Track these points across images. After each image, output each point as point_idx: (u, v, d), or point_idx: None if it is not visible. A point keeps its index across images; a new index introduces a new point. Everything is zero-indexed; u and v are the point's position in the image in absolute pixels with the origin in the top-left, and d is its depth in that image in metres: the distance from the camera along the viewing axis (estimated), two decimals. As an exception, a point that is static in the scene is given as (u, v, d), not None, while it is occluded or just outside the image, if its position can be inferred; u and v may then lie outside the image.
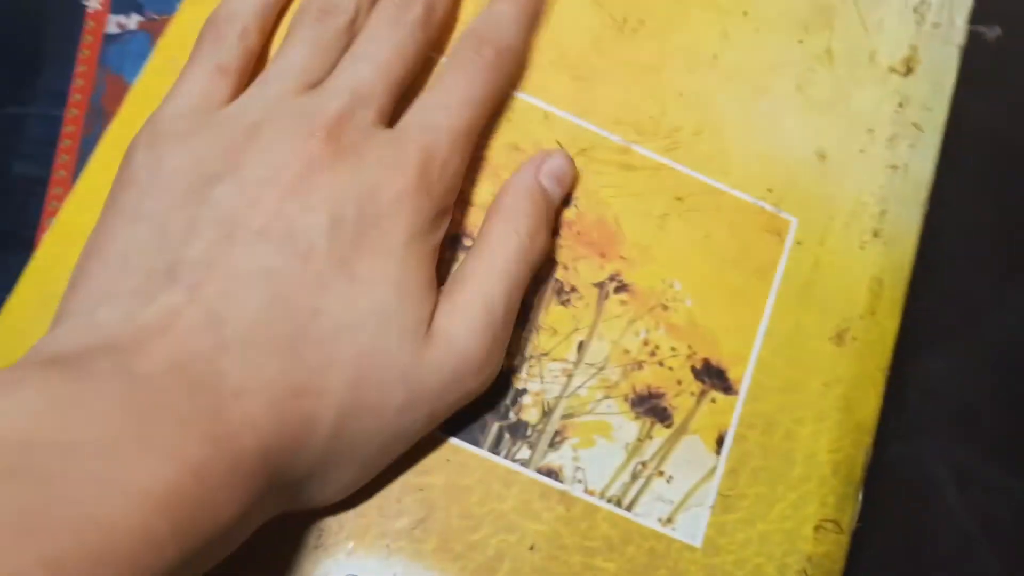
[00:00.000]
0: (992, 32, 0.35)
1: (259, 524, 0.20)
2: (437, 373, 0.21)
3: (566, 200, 0.28)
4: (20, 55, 0.29)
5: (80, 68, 0.29)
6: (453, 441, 0.25)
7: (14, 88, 0.29)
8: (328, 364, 0.20)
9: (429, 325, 0.22)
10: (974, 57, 0.35)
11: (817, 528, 0.26)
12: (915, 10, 0.32)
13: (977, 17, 0.34)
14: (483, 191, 0.27)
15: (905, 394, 0.33)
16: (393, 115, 0.24)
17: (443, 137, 0.23)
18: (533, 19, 0.27)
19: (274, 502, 0.19)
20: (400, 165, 0.22)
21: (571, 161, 0.27)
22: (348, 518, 0.24)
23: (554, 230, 0.27)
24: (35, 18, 0.29)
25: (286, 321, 0.20)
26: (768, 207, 0.29)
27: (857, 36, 0.31)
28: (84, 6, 0.30)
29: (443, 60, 0.27)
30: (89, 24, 0.30)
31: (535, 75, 0.29)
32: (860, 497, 0.27)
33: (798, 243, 0.29)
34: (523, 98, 0.28)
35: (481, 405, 0.25)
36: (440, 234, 0.23)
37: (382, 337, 0.20)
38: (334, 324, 0.20)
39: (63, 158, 0.29)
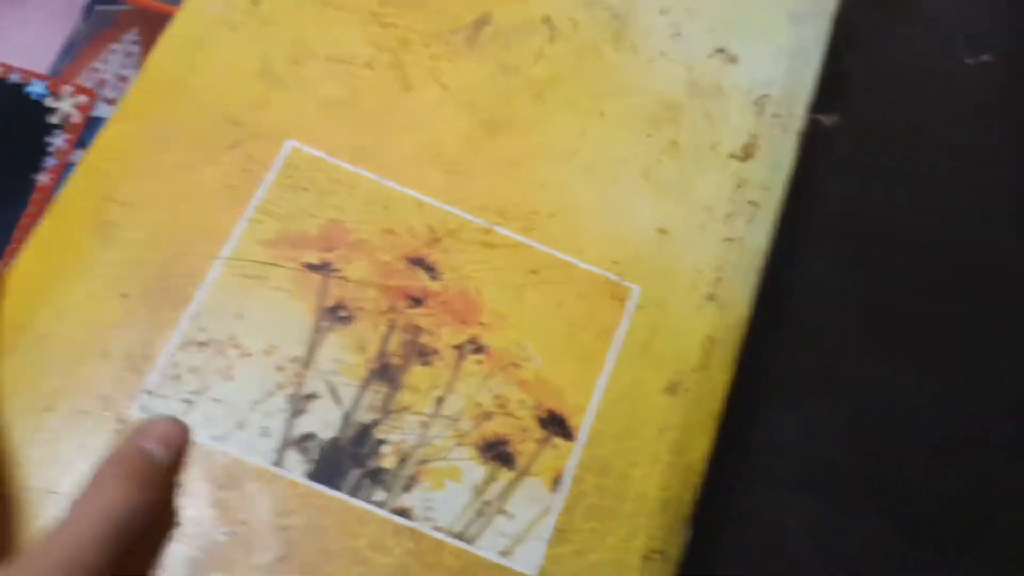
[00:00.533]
0: (830, 119, 0.40)
1: None
2: None
3: (433, 272, 0.32)
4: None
5: (18, 233, 0.34)
6: (316, 487, 0.29)
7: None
8: None
9: None
10: (839, 142, 0.40)
11: (645, 558, 0.30)
12: (755, 103, 0.37)
13: (818, 107, 0.39)
14: (360, 270, 0.31)
15: (761, 448, 0.37)
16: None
17: None
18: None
19: None
20: None
21: (177, 423, 0.28)
22: (217, 552, 0.28)
23: (419, 300, 0.31)
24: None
25: None
26: (613, 277, 0.33)
27: (702, 129, 0.36)
28: (35, 180, 0.35)
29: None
30: (36, 195, 0.35)
31: (413, 170, 0.34)
32: (689, 532, 0.30)
33: (639, 308, 0.33)
34: (400, 189, 0.33)
35: (344, 455, 0.29)
36: None
37: None
38: None
39: None
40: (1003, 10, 0.44)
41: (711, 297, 0.33)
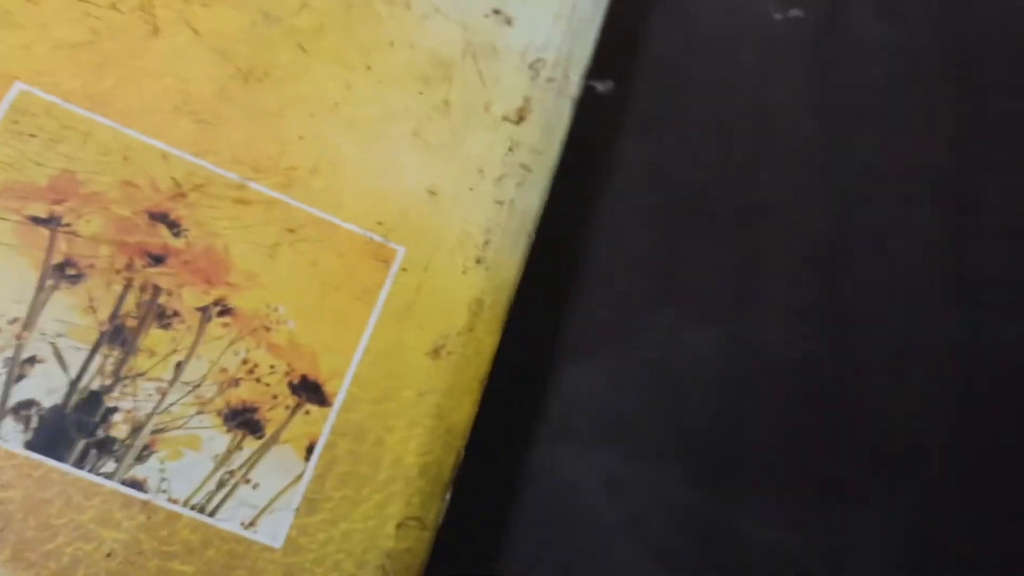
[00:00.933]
0: (605, 86, 0.40)
1: None
2: None
3: (176, 229, 0.30)
4: None
5: None
6: (35, 457, 0.26)
7: None
8: None
9: None
10: (642, 103, 0.40)
11: (400, 526, 0.29)
12: (531, 66, 0.36)
13: (594, 72, 0.38)
14: (93, 225, 0.29)
15: (553, 403, 0.36)
16: None
17: None
18: None
19: None
20: None
21: None
22: (-84, 533, 0.24)
23: (160, 258, 0.29)
24: None
25: None
26: (377, 238, 0.32)
27: (475, 89, 0.35)
28: None
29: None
30: None
31: (156, 118, 0.31)
32: (448, 497, 0.30)
33: (403, 270, 0.32)
34: (142, 139, 0.30)
35: (69, 423, 0.26)
36: None
37: None
38: None
39: None
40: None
41: (479, 260, 0.33)
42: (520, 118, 0.36)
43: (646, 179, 0.41)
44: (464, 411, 0.31)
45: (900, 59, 0.45)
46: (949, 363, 0.40)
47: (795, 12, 0.45)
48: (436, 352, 0.31)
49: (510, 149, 0.35)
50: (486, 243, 0.33)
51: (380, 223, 0.32)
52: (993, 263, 0.41)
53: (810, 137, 0.43)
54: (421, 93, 0.35)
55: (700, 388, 0.38)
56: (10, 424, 0.26)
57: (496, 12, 0.37)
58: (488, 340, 0.32)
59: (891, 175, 0.38)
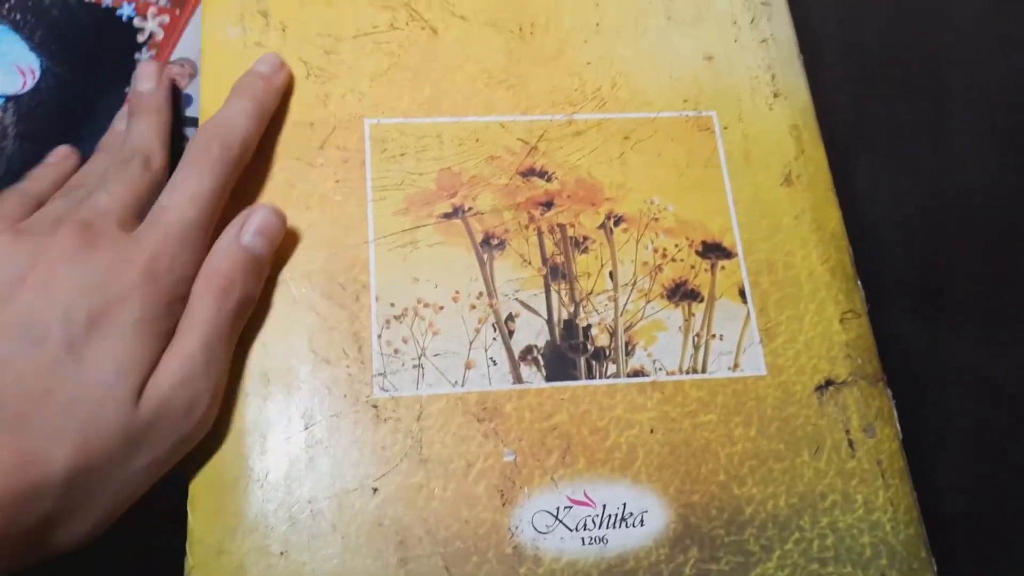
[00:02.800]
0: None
1: (10, 568, 0.23)
2: (151, 427, 0.25)
3: (547, 176, 0.35)
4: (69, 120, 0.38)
5: None
6: (557, 384, 0.32)
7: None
8: (55, 435, 0.24)
9: (142, 389, 0.26)
10: None
11: (841, 320, 0.34)
12: (722, -80, 0.40)
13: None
14: (487, 201, 0.34)
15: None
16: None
17: (172, 234, 0.27)
18: (263, 114, 0.32)
19: (15, 550, 0.23)
20: (129, 261, 0.26)
21: (274, 211, 0.31)
22: (515, 473, 0.30)
23: (548, 203, 0.34)
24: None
25: (19, 402, 0.24)
26: (690, 113, 0.36)
27: (690, -41, 0.39)
28: (126, 91, 0.37)
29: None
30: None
31: (478, 99, 0.36)
32: (860, 287, 0.34)
33: (725, 128, 0.36)
34: (479, 120, 0.35)
35: (565, 350, 0.32)
36: (176, 317, 0.27)
37: (101, 406, 0.25)
38: (62, 401, 0.24)
39: None
40: None
41: (776, 94, 0.37)
42: (740, -34, 0.40)
43: (845, 49, 0.44)
44: (834, 217, 0.36)
45: None
46: None
47: None
48: (787, 180, 0.36)
49: (746, -6, 0.39)
50: (772, 77, 0.38)
51: (686, 100, 0.37)
52: None
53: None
54: (653, -16, 0.39)
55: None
56: (526, 369, 0.32)
57: None
58: (818, 155, 0.37)
59: None
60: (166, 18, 0.39)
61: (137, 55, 0.39)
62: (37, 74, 0.38)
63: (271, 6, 0.36)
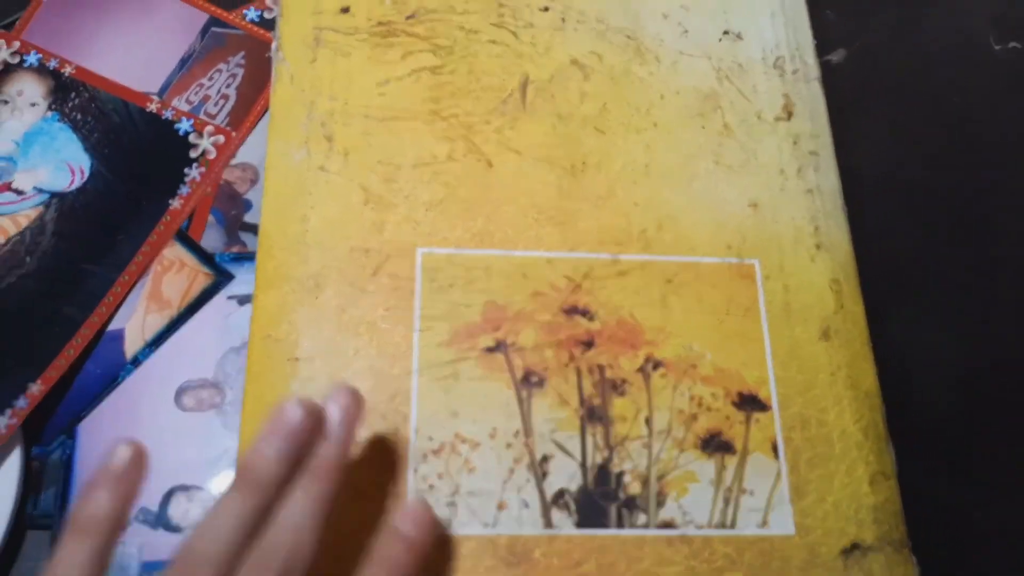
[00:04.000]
0: (838, 56, 0.45)
1: None
2: None
3: (588, 315, 0.36)
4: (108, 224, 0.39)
5: (145, 248, 0.39)
6: (587, 532, 0.32)
7: (92, 250, 0.39)
8: None
9: None
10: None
11: (871, 482, 0.34)
12: (775, 66, 0.42)
13: (821, 50, 0.43)
14: (530, 337, 0.35)
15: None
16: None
17: None
18: (323, 514, 0.27)
19: None
20: None
21: (423, 506, 0.30)
22: (539, 618, 0.31)
23: (589, 343, 0.35)
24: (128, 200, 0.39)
25: None
26: (733, 260, 0.37)
27: (742, 105, 0.41)
28: (169, 204, 0.38)
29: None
30: (167, 217, 0.39)
31: (527, 234, 0.37)
32: (891, 448, 0.35)
33: (766, 278, 0.37)
34: (526, 254, 0.37)
35: (596, 496, 0.33)
36: None
37: None
38: None
39: (101, 310, 0.38)
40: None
41: (818, 246, 0.38)
42: (789, 113, 0.41)
43: (890, 185, 0.45)
44: (869, 375, 0.36)
45: None
46: None
47: (1013, 44, 0.49)
48: (825, 335, 0.37)
49: (794, 143, 0.40)
50: (816, 229, 0.39)
51: (729, 247, 0.38)
52: None
53: None
54: (703, 127, 0.40)
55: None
56: (557, 514, 0.33)
57: (726, 33, 0.42)
58: (857, 310, 0.38)
59: None
60: (221, 138, 0.41)
61: (187, 170, 0.40)
62: (86, 174, 0.40)
63: (336, 132, 0.38)
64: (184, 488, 0.35)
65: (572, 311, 0.35)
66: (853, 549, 0.33)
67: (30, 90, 0.41)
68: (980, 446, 0.39)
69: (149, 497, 0.35)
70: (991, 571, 0.37)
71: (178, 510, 0.35)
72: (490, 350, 0.34)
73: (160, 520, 0.34)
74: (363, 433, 0.32)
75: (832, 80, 0.43)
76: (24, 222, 0.38)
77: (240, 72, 0.42)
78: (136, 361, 0.37)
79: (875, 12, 0.47)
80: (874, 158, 0.45)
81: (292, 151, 0.37)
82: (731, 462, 0.33)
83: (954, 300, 0.42)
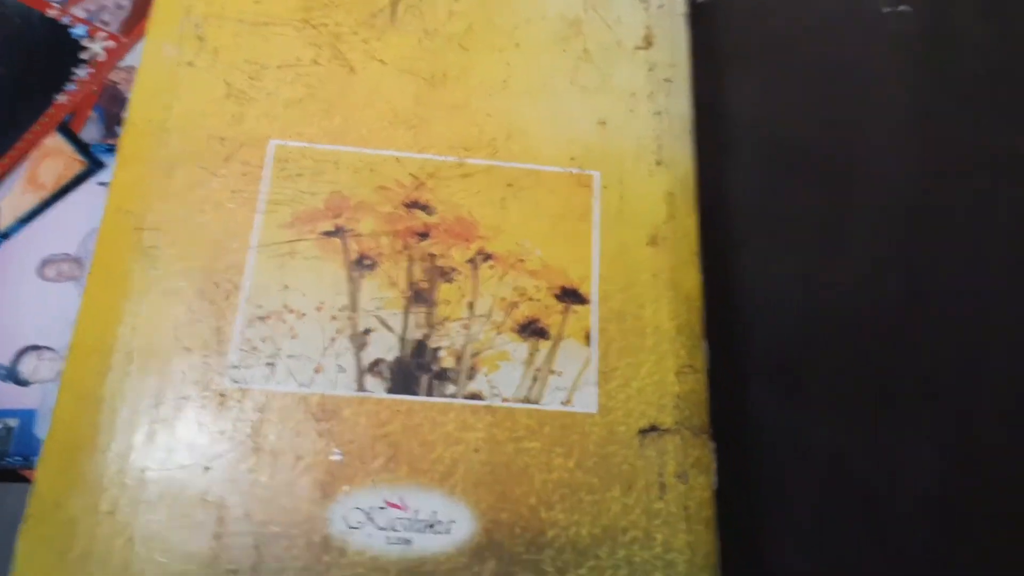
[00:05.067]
0: (704, -2, 0.47)
1: None
2: None
3: (428, 210, 0.38)
4: None
5: (28, 135, 0.41)
6: (397, 397, 0.35)
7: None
8: None
9: None
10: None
11: (678, 373, 0.36)
12: (641, 1, 0.44)
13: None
14: (369, 225, 0.37)
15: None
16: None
17: None
18: None
19: None
20: None
21: None
22: (339, 471, 0.33)
23: (424, 234, 0.37)
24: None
25: None
26: (575, 170, 0.40)
27: (604, 33, 0.43)
28: (55, 99, 0.41)
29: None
30: (51, 110, 0.41)
31: (380, 135, 0.40)
32: (705, 346, 0.37)
33: (604, 187, 0.40)
34: (377, 152, 0.39)
35: (411, 367, 0.35)
36: None
37: None
38: None
39: None
40: None
41: (658, 162, 0.40)
42: (648, 44, 0.44)
43: (756, 131, 0.48)
44: (692, 279, 0.39)
45: (998, 57, 0.48)
46: (1018, 329, 0.43)
47: (903, 8, 0.52)
48: (653, 241, 0.39)
49: (650, 70, 0.43)
50: (659, 147, 0.41)
51: (573, 158, 0.40)
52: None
53: (908, 115, 0.49)
54: (564, 51, 0.43)
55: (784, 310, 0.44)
56: (371, 380, 0.35)
57: (597, -31, 0.45)
58: (689, 222, 0.40)
59: (980, 159, 0.44)
60: (112, 43, 0.44)
61: (75, 70, 0.43)
62: None
63: (209, 33, 0.40)
64: (36, 348, 0.37)
65: (413, 205, 0.38)
66: (651, 430, 0.35)
67: (-61, -6, 0.44)
68: (804, 366, 0.41)
69: (4, 353, 0.37)
70: (784, 464, 0.39)
71: (28, 367, 0.37)
72: (328, 234, 0.37)
73: (11, 375, 0.37)
74: (196, 298, 0.34)
75: (709, 23, 0.45)
76: (-83, 108, 0.41)
77: (135, -14, 0.45)
78: (6, 235, 0.40)
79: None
80: (745, 100, 0.47)
81: (164, 47, 0.40)
82: (544, 346, 0.36)
83: (805, 239, 0.45)
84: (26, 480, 0.37)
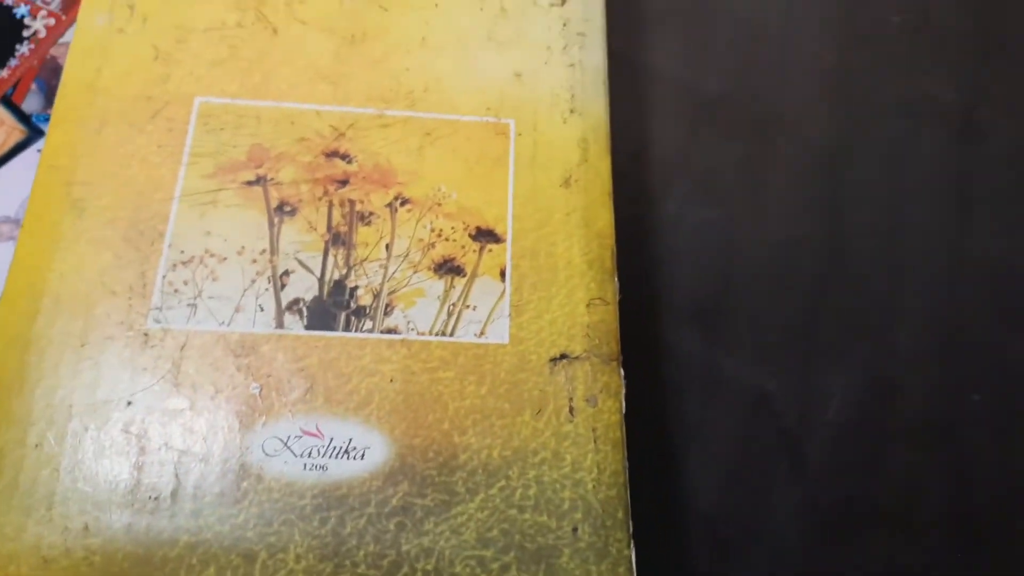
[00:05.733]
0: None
1: None
2: None
3: (348, 159, 0.39)
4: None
5: None
6: (315, 333, 0.36)
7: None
8: None
9: None
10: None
11: (588, 305, 0.38)
12: (557, -39, 0.45)
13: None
14: (289, 174, 0.39)
15: None
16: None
17: None
18: None
19: None
20: None
21: None
22: (257, 403, 0.35)
23: (344, 181, 0.39)
24: None
25: None
26: (491, 119, 0.41)
27: (520, -9, 0.44)
28: None
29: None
30: None
31: (301, 90, 0.41)
32: (616, 281, 0.38)
33: (519, 134, 0.41)
34: (297, 106, 0.40)
35: (328, 305, 0.36)
36: None
37: None
38: None
39: None
40: None
41: (572, 111, 0.41)
42: (563, 1, 0.45)
43: (676, 83, 0.49)
44: (604, 218, 0.40)
45: (916, 7, 0.50)
46: (935, 260, 0.43)
47: None
48: (566, 183, 0.40)
49: (564, 25, 0.44)
50: (572, 96, 0.42)
51: (488, 108, 0.42)
52: (988, 184, 0.44)
53: (826, 65, 0.50)
54: (481, 10, 0.44)
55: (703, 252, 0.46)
56: (289, 317, 0.36)
57: (514, -69, 0.46)
58: (602, 165, 0.41)
59: (898, 104, 0.45)
60: (52, 20, 0.45)
61: (17, 46, 0.45)
62: None
63: (138, 2, 0.42)
64: (-29, 303, 0.39)
65: (333, 155, 0.39)
66: (561, 358, 0.36)
67: None
68: (730, 307, 0.43)
69: (-60, 311, 0.38)
70: (724, 407, 0.40)
71: (-36, 321, 0.38)
72: (249, 183, 0.38)
73: (-53, 330, 0.38)
74: (121, 244, 0.36)
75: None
76: None
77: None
78: (-54, 199, 0.41)
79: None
80: (665, 53, 0.48)
81: (96, 16, 0.41)
82: (460, 283, 0.37)
83: (725, 184, 0.46)
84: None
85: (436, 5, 0.43)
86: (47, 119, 0.43)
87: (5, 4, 0.46)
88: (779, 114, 0.48)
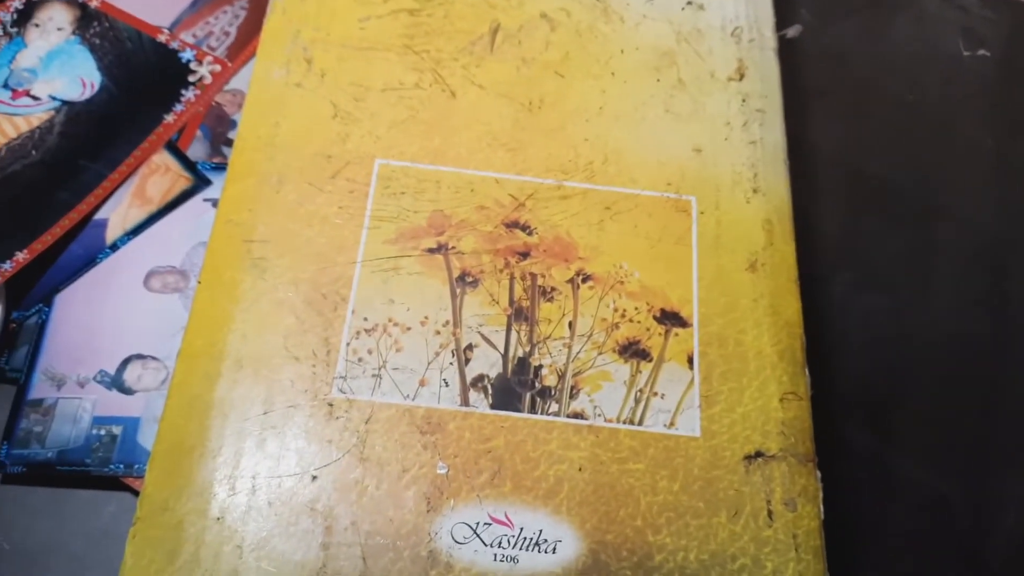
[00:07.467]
0: (794, 31, 0.46)
1: None
2: None
3: (528, 230, 0.37)
4: (108, 130, 0.42)
5: (137, 152, 0.40)
6: (500, 413, 0.34)
7: (91, 149, 0.40)
8: None
9: None
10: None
11: (781, 400, 0.35)
12: (732, 34, 0.43)
13: (779, 25, 0.45)
14: (470, 243, 0.37)
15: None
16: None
17: None
18: None
19: None
20: None
21: None
22: (445, 485, 0.32)
23: (525, 253, 0.36)
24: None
25: None
26: (671, 195, 0.39)
27: (697, 64, 0.42)
28: (163, 118, 0.40)
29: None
30: (160, 129, 0.41)
31: (479, 156, 0.39)
32: (807, 373, 0.36)
33: (701, 213, 0.38)
34: (477, 173, 0.38)
35: (513, 384, 0.34)
36: None
37: None
38: None
39: (90, 199, 0.39)
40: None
41: (755, 190, 0.39)
42: (741, 75, 0.43)
43: (841, 166, 0.47)
44: (792, 306, 0.37)
45: None
46: None
47: (982, 52, 0.51)
48: (752, 267, 0.38)
49: (743, 101, 0.42)
50: (755, 175, 0.40)
51: (669, 184, 0.39)
52: None
53: (988, 154, 0.48)
54: (658, 80, 0.42)
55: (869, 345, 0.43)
56: (474, 395, 0.34)
57: (689, 3, 0.44)
58: (787, 249, 0.39)
59: None
60: (217, 67, 0.44)
61: (183, 91, 0.43)
62: (96, 88, 0.43)
63: (316, 56, 0.40)
64: (140, 357, 0.37)
65: (513, 225, 0.37)
66: (756, 456, 0.33)
67: (59, 17, 0.45)
68: (899, 403, 0.40)
69: (110, 362, 0.37)
70: (884, 501, 0.37)
71: (132, 375, 0.36)
72: (431, 251, 0.36)
73: (115, 382, 0.36)
74: (304, 308, 0.34)
75: (797, 59, 0.45)
76: (36, 123, 0.41)
77: (243, 14, 0.45)
78: (115, 247, 0.39)
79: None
80: (830, 135, 0.46)
81: (274, 69, 0.40)
82: (646, 368, 0.34)
83: (891, 274, 0.43)
84: (128, 488, 0.36)
85: (613, 74, 0.41)
86: (213, 167, 0.42)
87: (171, 47, 0.44)
88: (941, 199, 0.46)
